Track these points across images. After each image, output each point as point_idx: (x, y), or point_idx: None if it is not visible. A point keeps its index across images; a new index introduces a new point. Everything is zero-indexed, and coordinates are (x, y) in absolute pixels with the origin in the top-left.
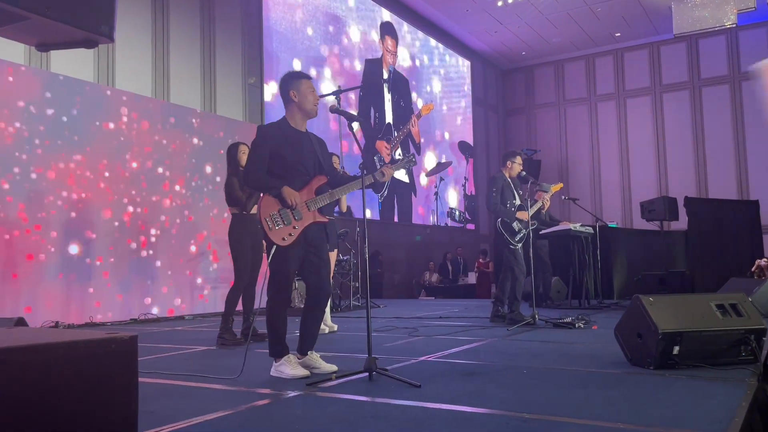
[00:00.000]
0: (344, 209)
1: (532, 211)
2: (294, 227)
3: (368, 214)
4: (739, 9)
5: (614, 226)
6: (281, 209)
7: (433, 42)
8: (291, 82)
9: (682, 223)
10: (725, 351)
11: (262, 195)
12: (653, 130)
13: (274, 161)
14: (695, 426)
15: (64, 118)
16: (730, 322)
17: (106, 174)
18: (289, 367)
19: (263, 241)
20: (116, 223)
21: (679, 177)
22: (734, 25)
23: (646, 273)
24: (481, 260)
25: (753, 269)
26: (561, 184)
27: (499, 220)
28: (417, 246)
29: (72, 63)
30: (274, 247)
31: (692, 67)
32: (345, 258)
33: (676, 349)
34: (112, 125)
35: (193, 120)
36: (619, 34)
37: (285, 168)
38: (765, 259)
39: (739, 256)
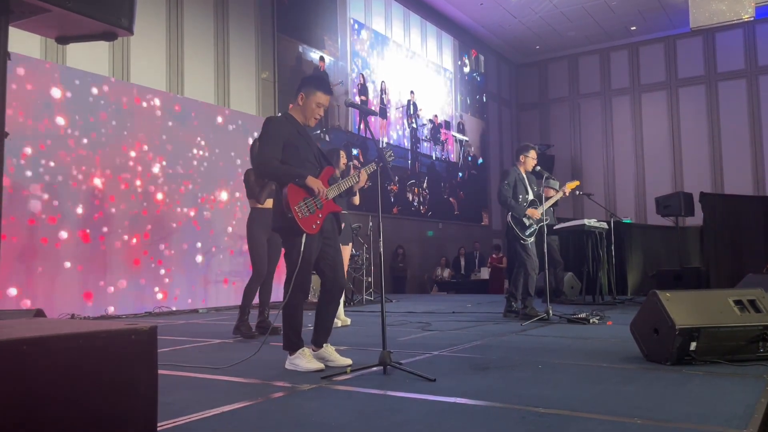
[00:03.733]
0: (357, 202)
1: (546, 206)
2: (319, 215)
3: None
4: (758, 2)
5: (628, 221)
6: (306, 198)
7: (444, 36)
8: (308, 86)
9: (697, 218)
10: (743, 347)
11: (284, 186)
12: (668, 124)
13: (288, 153)
14: (714, 422)
15: (82, 110)
16: (748, 318)
17: (120, 167)
18: (305, 360)
19: (281, 234)
20: (130, 216)
21: (695, 172)
22: (752, 19)
23: (662, 269)
24: (494, 255)
25: None
26: (577, 182)
27: (511, 213)
28: (429, 241)
29: (87, 57)
30: (304, 236)
31: (708, 62)
32: (357, 253)
33: (693, 345)
34: (129, 118)
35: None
36: (634, 28)
37: (298, 160)
38: None
39: (755, 252)
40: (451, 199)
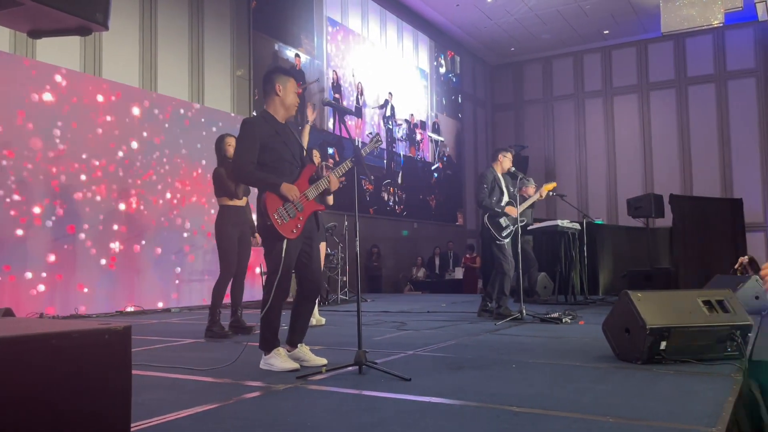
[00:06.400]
0: (330, 202)
1: (524, 206)
2: (300, 218)
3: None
4: (727, 8)
5: (600, 222)
6: (285, 203)
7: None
8: (279, 76)
9: (667, 219)
10: (712, 346)
11: (264, 191)
12: (640, 127)
13: (265, 154)
14: (684, 420)
15: (60, 106)
16: (716, 318)
17: (96, 163)
18: (279, 360)
19: (257, 235)
20: (101, 214)
21: (665, 174)
22: (721, 24)
23: (632, 269)
24: (468, 255)
25: (736, 266)
26: (554, 183)
27: (487, 215)
28: (404, 241)
29: (58, 52)
30: (285, 240)
31: (679, 66)
32: (333, 252)
33: (663, 345)
34: (106, 116)
35: (189, 114)
36: (607, 32)
37: (276, 160)
38: (748, 257)
39: (722, 253)
40: (429, 198)
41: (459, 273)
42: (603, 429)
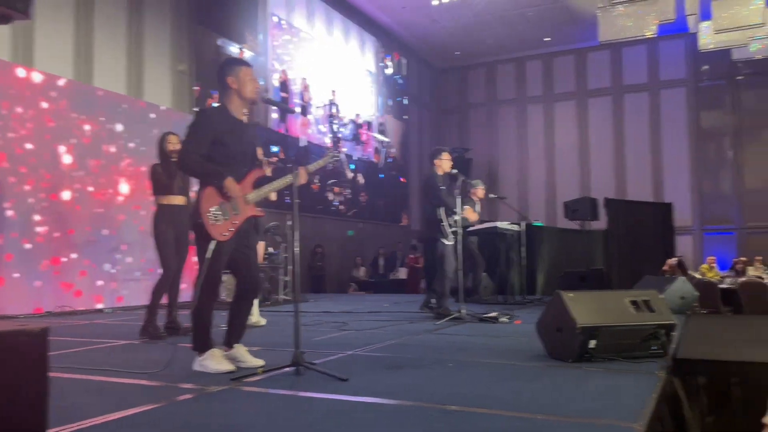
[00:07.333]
0: (274, 198)
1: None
2: (234, 222)
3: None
4: (660, 20)
5: (539, 224)
6: (222, 203)
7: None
8: (230, 68)
9: (601, 222)
10: (638, 345)
11: (203, 188)
12: (578, 132)
13: (215, 149)
14: (609, 416)
15: None
16: (642, 318)
17: (24, 166)
18: (214, 362)
19: (191, 234)
20: (30, 210)
21: (600, 178)
22: (655, 35)
23: (568, 270)
24: (411, 256)
25: (665, 268)
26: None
27: (441, 209)
28: (349, 241)
29: None
30: (214, 242)
31: (615, 74)
32: (275, 252)
33: (592, 343)
34: (35, 110)
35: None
36: (548, 39)
37: (225, 156)
38: (676, 258)
39: (652, 255)
40: (375, 199)
41: (403, 273)
42: (534, 426)
